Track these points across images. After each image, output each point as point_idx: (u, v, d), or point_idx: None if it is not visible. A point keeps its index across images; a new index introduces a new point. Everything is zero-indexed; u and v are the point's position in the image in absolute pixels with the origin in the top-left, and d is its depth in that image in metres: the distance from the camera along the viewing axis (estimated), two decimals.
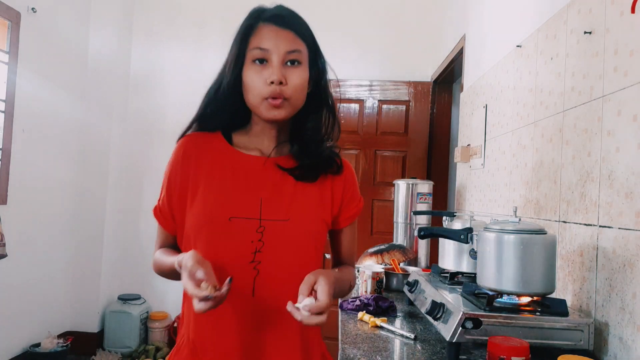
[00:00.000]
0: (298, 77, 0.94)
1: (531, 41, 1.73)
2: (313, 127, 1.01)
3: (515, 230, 1.14)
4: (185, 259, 0.83)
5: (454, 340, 1.07)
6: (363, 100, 3.70)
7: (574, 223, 1.32)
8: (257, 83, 0.92)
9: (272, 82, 0.90)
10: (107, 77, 3.68)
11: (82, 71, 3.63)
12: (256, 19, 0.95)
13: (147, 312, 3.72)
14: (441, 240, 1.56)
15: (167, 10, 3.93)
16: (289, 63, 0.93)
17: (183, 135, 1.02)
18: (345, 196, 1.04)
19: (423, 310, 1.29)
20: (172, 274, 0.93)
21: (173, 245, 1.04)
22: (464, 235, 1.37)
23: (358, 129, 3.72)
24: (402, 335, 1.30)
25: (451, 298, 1.21)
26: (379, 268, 1.91)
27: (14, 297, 3.04)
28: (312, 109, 1.01)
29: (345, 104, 3.73)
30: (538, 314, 1.10)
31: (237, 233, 0.92)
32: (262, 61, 0.93)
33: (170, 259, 0.93)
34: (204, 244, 0.93)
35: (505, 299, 1.17)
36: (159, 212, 1.02)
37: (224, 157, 0.99)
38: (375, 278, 1.78)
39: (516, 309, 1.13)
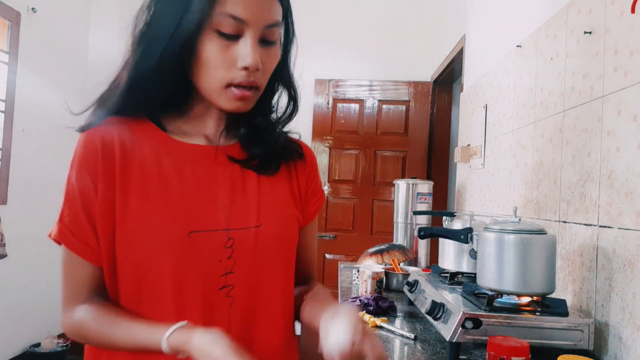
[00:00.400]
0: (273, 60, 0.73)
1: (531, 41, 1.73)
2: (264, 109, 0.80)
3: (515, 230, 1.14)
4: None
5: (454, 340, 1.07)
6: (363, 100, 3.70)
7: (574, 223, 1.32)
8: (221, 64, 0.68)
9: (245, 68, 0.68)
10: (107, 77, 3.67)
11: (82, 71, 3.63)
12: None
13: None
14: (441, 240, 1.56)
15: None
16: (263, 41, 0.70)
17: (91, 124, 0.73)
18: (309, 186, 0.85)
19: (423, 310, 1.29)
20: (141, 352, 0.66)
21: (100, 288, 0.72)
22: (464, 235, 1.37)
23: (358, 129, 3.72)
24: (402, 335, 1.30)
25: (451, 298, 1.21)
26: (379, 268, 1.91)
27: (14, 297, 3.04)
28: (268, 89, 0.78)
29: (345, 104, 3.73)
30: (538, 314, 1.10)
31: (201, 252, 0.69)
32: (232, 36, 0.68)
33: (146, 337, 0.66)
34: (155, 272, 0.68)
35: (505, 299, 1.17)
36: (69, 234, 0.70)
37: (161, 149, 0.73)
38: (375, 278, 1.78)
39: (516, 309, 1.13)
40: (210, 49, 0.68)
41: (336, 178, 3.71)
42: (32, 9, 3.05)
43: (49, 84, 3.30)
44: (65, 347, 3.18)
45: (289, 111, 0.82)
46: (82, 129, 0.73)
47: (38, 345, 3.14)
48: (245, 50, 0.68)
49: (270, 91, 0.80)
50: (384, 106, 3.70)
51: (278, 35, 0.73)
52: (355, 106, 3.73)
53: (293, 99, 0.82)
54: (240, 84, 0.69)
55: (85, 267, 0.72)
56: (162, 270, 0.68)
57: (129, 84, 0.71)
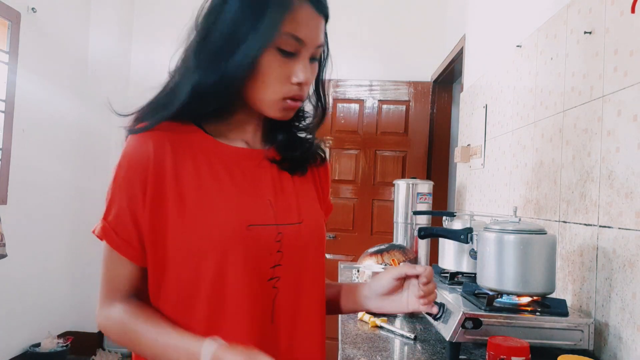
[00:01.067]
0: (314, 76, 0.81)
1: (531, 41, 1.73)
2: (300, 118, 0.88)
3: (515, 230, 1.14)
4: None
5: (454, 340, 1.07)
6: (363, 100, 3.70)
7: (574, 223, 1.32)
8: (278, 78, 0.74)
9: (299, 83, 0.75)
10: (107, 77, 3.69)
11: (82, 71, 3.63)
12: None
13: None
14: (441, 240, 1.56)
15: (167, 11, 3.93)
16: (311, 59, 0.77)
17: (144, 128, 0.75)
18: (324, 192, 0.93)
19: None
20: None
21: (138, 289, 0.75)
22: (464, 235, 1.37)
23: (358, 129, 3.72)
24: (402, 335, 1.30)
25: (451, 298, 1.21)
26: (379, 268, 1.91)
27: (14, 297, 3.04)
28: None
29: (345, 104, 3.73)
30: (538, 314, 1.10)
31: (256, 244, 0.74)
32: (291, 54, 0.74)
33: (183, 344, 0.67)
34: (215, 263, 0.71)
35: (505, 299, 1.17)
36: (113, 233, 0.73)
37: (210, 151, 0.78)
38: None
39: (516, 309, 1.13)
40: (270, 64, 0.73)
41: (336, 178, 3.71)
42: (32, 9, 3.05)
43: (49, 84, 3.30)
44: (65, 347, 3.18)
45: (318, 118, 0.88)
46: (134, 132, 0.75)
47: (38, 345, 3.15)
48: (301, 68, 0.74)
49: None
50: (384, 106, 3.70)
51: (321, 53, 0.81)
52: (355, 106, 3.72)
53: (323, 107, 0.88)
54: (294, 97, 0.76)
55: (126, 266, 0.74)
56: (222, 261, 0.71)
57: (191, 93, 0.73)
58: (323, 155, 0.93)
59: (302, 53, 0.75)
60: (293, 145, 0.86)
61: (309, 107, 0.88)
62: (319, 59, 0.82)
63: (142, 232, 0.73)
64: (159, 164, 0.73)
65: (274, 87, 0.74)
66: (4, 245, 2.61)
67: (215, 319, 0.72)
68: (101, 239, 0.74)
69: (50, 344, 3.14)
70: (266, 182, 0.80)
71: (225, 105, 0.79)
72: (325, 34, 0.82)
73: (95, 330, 3.57)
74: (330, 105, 3.73)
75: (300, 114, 0.87)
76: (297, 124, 0.87)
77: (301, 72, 0.74)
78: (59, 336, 3.35)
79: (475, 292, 1.24)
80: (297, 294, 0.78)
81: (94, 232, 0.75)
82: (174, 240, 0.72)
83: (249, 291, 0.73)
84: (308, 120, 0.89)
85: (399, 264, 2.08)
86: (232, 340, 0.66)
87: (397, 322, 1.45)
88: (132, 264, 0.74)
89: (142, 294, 0.76)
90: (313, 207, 0.85)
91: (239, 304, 0.72)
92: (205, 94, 0.73)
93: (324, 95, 0.88)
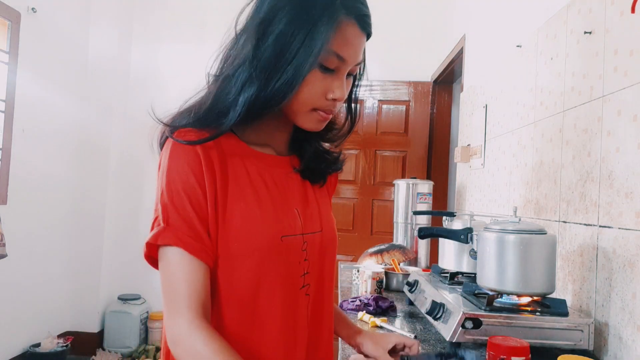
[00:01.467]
0: (348, 91, 0.80)
1: (531, 41, 1.73)
2: (329, 131, 0.88)
3: (515, 230, 1.14)
4: None
5: (454, 340, 1.07)
6: (363, 100, 3.70)
7: (574, 223, 1.32)
8: (316, 92, 0.74)
9: (335, 99, 0.75)
10: (107, 77, 3.69)
11: (82, 71, 3.63)
12: (339, 7, 0.71)
13: (147, 312, 3.72)
14: (441, 240, 1.56)
15: (167, 10, 3.94)
16: (348, 74, 0.77)
17: (192, 140, 0.73)
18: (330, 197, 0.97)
19: (423, 310, 1.29)
20: None
21: (208, 289, 0.71)
22: (464, 235, 1.37)
23: (358, 129, 3.72)
24: (402, 336, 1.30)
25: (451, 298, 1.21)
26: (379, 268, 1.91)
27: (14, 297, 3.04)
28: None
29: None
30: (538, 314, 1.10)
31: (288, 254, 0.76)
32: (331, 70, 0.74)
33: None
34: (252, 274, 0.72)
35: (505, 299, 1.17)
36: (186, 237, 0.69)
37: (245, 157, 0.77)
38: (375, 278, 1.78)
39: (516, 309, 1.13)
40: (312, 79, 0.72)
41: None
42: (32, 9, 3.05)
43: (49, 84, 3.30)
44: (65, 347, 3.18)
45: (346, 130, 0.89)
46: (192, 143, 0.72)
47: (38, 345, 3.14)
48: (338, 85, 0.74)
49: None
50: (384, 106, 3.70)
51: (357, 70, 0.80)
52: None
53: (352, 120, 0.88)
54: (326, 110, 0.76)
55: (200, 269, 0.69)
56: (257, 274, 0.72)
57: (242, 104, 0.72)
58: (341, 166, 0.94)
59: (342, 70, 0.74)
60: (319, 156, 0.88)
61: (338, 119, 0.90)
62: (355, 75, 0.82)
63: (211, 233, 0.71)
64: (210, 168, 0.72)
65: (310, 100, 0.74)
66: (4, 245, 2.61)
67: (247, 326, 0.73)
68: (174, 245, 0.68)
69: (50, 344, 3.14)
70: (294, 190, 0.82)
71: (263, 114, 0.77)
72: (364, 50, 0.81)
73: (96, 330, 3.58)
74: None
75: (329, 125, 0.87)
76: (325, 135, 0.88)
77: (338, 89, 0.74)
78: (59, 336, 3.34)
79: (475, 292, 1.24)
80: (322, 299, 0.83)
81: (154, 242, 0.69)
82: (220, 249, 0.72)
83: (284, 298, 0.75)
84: (335, 132, 0.89)
85: (399, 264, 2.08)
86: (263, 347, 0.71)
87: (397, 322, 1.45)
88: (207, 266, 0.70)
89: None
90: (329, 214, 0.89)
91: (277, 311, 0.74)
92: (255, 106, 0.72)
93: (355, 109, 0.89)
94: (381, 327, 1.37)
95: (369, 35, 0.78)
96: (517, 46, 1.86)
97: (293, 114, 0.77)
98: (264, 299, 0.73)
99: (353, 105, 0.88)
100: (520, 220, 1.17)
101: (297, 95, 0.73)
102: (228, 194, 0.73)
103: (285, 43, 0.70)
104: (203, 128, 0.73)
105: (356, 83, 0.85)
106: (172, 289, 0.68)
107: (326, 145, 0.91)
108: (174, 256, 0.69)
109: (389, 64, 3.74)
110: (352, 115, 0.88)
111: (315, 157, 0.87)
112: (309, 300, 0.80)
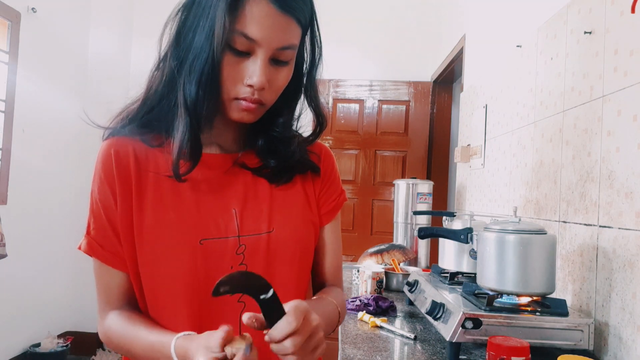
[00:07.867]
0: (283, 79, 0.74)
1: (531, 41, 1.73)
2: (284, 123, 0.81)
3: (515, 230, 1.14)
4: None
5: (454, 340, 1.07)
6: (363, 100, 3.70)
7: (574, 223, 1.32)
8: (233, 78, 0.70)
9: (250, 85, 0.70)
10: (107, 77, 3.69)
11: (82, 71, 3.63)
12: None
13: None
14: (441, 240, 1.56)
15: (167, 10, 3.92)
16: (275, 61, 0.72)
17: (110, 134, 0.77)
18: (324, 185, 0.87)
19: (423, 310, 1.29)
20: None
21: (132, 296, 0.76)
22: (464, 235, 1.37)
23: (358, 129, 3.72)
24: (402, 335, 1.30)
25: (451, 298, 1.21)
26: (379, 268, 1.91)
27: (14, 297, 3.04)
28: (287, 101, 0.80)
29: (345, 104, 3.74)
30: (538, 314, 1.10)
31: (211, 259, 0.72)
32: (243, 53, 0.69)
33: (159, 347, 0.67)
34: (169, 280, 0.71)
35: (505, 299, 1.17)
36: (98, 247, 0.74)
37: (171, 162, 0.74)
38: (375, 278, 1.78)
39: (516, 309, 1.13)
40: (225, 64, 0.70)
41: None
42: (32, 9, 3.05)
43: (49, 84, 3.30)
44: (65, 347, 3.18)
45: (315, 129, 0.84)
46: (106, 136, 0.77)
47: (38, 345, 3.14)
48: (253, 69, 0.69)
49: (287, 107, 0.81)
50: (384, 106, 3.70)
51: (291, 57, 0.74)
52: (355, 106, 3.73)
53: (316, 115, 0.83)
54: (244, 99, 0.71)
55: (115, 276, 0.76)
56: (176, 278, 0.72)
57: (184, 107, 0.72)
58: (317, 165, 0.86)
59: (257, 53, 0.69)
60: (273, 151, 0.81)
61: (308, 117, 0.84)
62: (299, 64, 0.77)
63: (121, 241, 0.73)
64: (123, 171, 0.74)
65: (227, 87, 0.71)
66: (4, 245, 2.61)
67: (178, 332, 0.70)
68: (89, 255, 0.76)
69: (50, 344, 3.14)
70: (234, 189, 0.78)
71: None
72: (314, 39, 0.77)
73: (96, 330, 3.57)
74: (330, 105, 3.73)
75: (283, 120, 0.81)
76: (279, 130, 0.81)
77: (255, 74, 0.69)
78: (59, 336, 3.34)
79: (475, 292, 1.24)
80: None
81: (79, 248, 0.76)
82: (139, 253, 0.73)
83: (211, 305, 0.72)
84: (281, 124, 0.82)
85: (399, 264, 2.08)
86: None
87: (397, 322, 1.45)
88: (123, 273, 0.75)
89: (136, 301, 0.77)
90: (292, 213, 0.80)
91: (203, 319, 0.72)
92: (197, 107, 0.71)
93: (316, 104, 0.82)
94: (381, 327, 1.37)
95: (296, 17, 0.70)
96: (517, 46, 1.85)
97: (223, 106, 0.74)
98: (195, 305, 0.72)
99: (310, 98, 0.81)
100: (520, 220, 1.17)
101: (221, 84, 0.71)
102: (144, 201, 0.73)
103: (194, 35, 0.70)
104: (141, 134, 0.76)
105: (303, 73, 0.79)
106: (97, 292, 0.77)
107: (300, 140, 0.84)
108: (94, 263, 0.77)
109: (389, 63, 3.74)
110: (315, 110, 0.82)
111: (267, 151, 0.80)
112: (243, 307, 0.73)
